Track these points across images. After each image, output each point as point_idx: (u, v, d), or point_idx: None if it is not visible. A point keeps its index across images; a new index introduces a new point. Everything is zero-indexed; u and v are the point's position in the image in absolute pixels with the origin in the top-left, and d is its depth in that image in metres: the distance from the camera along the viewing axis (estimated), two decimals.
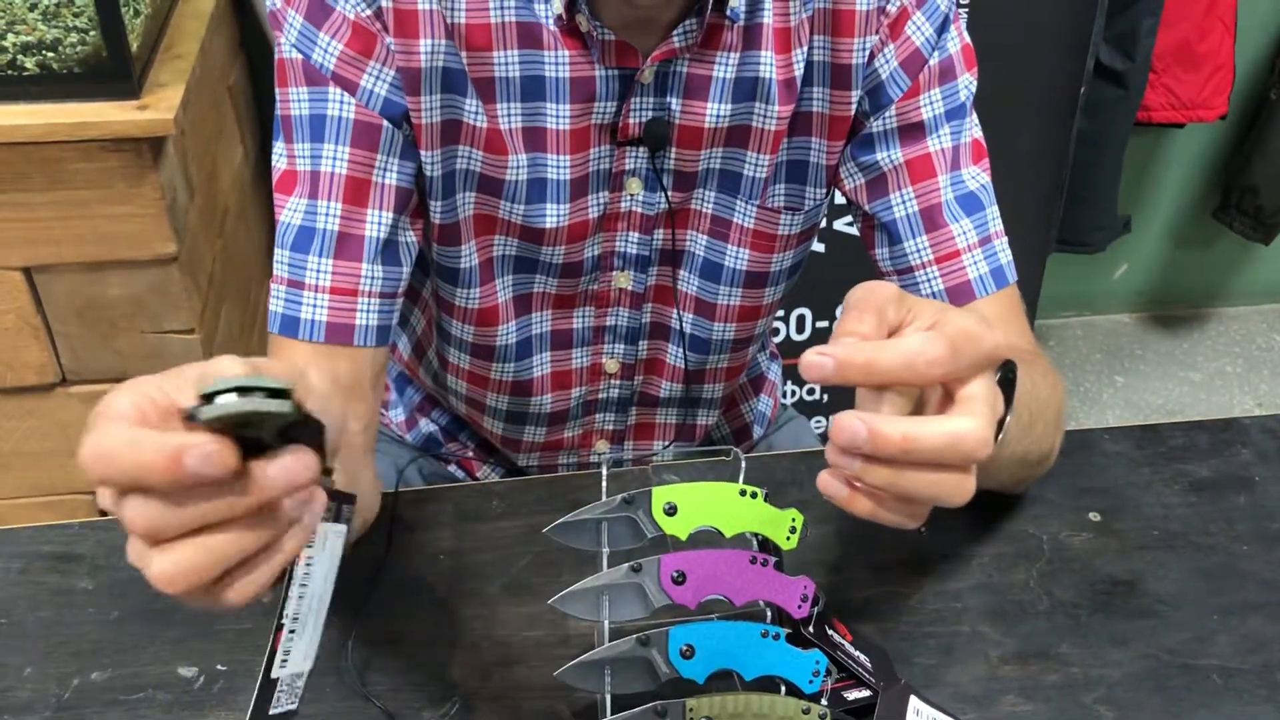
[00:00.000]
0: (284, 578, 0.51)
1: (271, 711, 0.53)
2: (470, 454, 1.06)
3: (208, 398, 0.43)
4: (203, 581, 0.45)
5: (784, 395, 1.77)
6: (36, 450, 1.46)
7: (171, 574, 0.44)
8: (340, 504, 0.52)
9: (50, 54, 1.26)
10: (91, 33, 1.26)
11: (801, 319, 1.83)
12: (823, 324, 1.83)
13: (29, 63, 1.26)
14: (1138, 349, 2.46)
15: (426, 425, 1.07)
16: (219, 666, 0.74)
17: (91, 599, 0.78)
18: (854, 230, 1.74)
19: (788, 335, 1.83)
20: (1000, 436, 0.61)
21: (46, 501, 1.50)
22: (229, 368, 0.47)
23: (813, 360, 0.53)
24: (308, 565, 0.51)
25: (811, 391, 1.91)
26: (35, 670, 0.74)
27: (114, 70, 1.26)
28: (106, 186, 1.28)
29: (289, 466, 0.44)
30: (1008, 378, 0.63)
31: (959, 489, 0.55)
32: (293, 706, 0.54)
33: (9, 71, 1.25)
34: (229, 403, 0.42)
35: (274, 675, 0.52)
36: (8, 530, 0.83)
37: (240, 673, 0.74)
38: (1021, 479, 0.83)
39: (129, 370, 1.41)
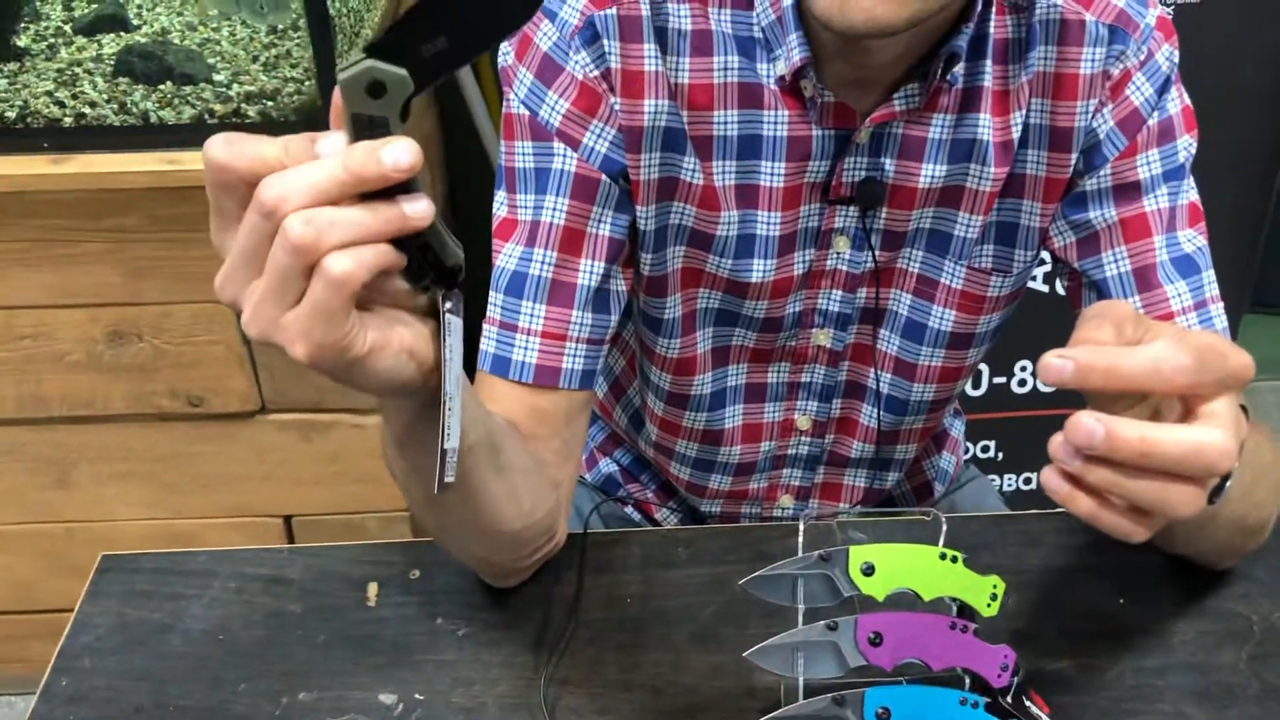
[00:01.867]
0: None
1: (445, 477, 0.57)
2: (650, 496, 1.08)
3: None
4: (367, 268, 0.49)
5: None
6: (235, 474, 1.54)
7: (351, 268, 0.48)
8: (460, 295, 0.56)
9: (270, 103, 1.34)
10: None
11: (978, 375, 1.79)
12: (999, 379, 1.79)
13: (251, 111, 1.34)
14: None
15: (607, 465, 1.09)
16: (417, 695, 0.77)
17: (300, 622, 0.82)
18: (1036, 285, 1.70)
19: (964, 390, 1.79)
20: (1227, 484, 0.59)
21: (239, 523, 1.59)
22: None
23: (1052, 363, 0.53)
24: (450, 351, 0.55)
25: (986, 449, 1.86)
26: (249, 687, 0.78)
27: (327, 119, 1.33)
28: None
29: (410, 145, 0.47)
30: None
31: (1189, 501, 0.53)
32: (451, 479, 0.58)
33: (234, 119, 1.34)
34: (365, 62, 0.47)
35: (445, 446, 0.56)
36: (224, 551, 0.88)
37: (437, 703, 0.76)
38: (1233, 548, 0.80)
39: (324, 401, 1.48)
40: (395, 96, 0.48)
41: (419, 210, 0.49)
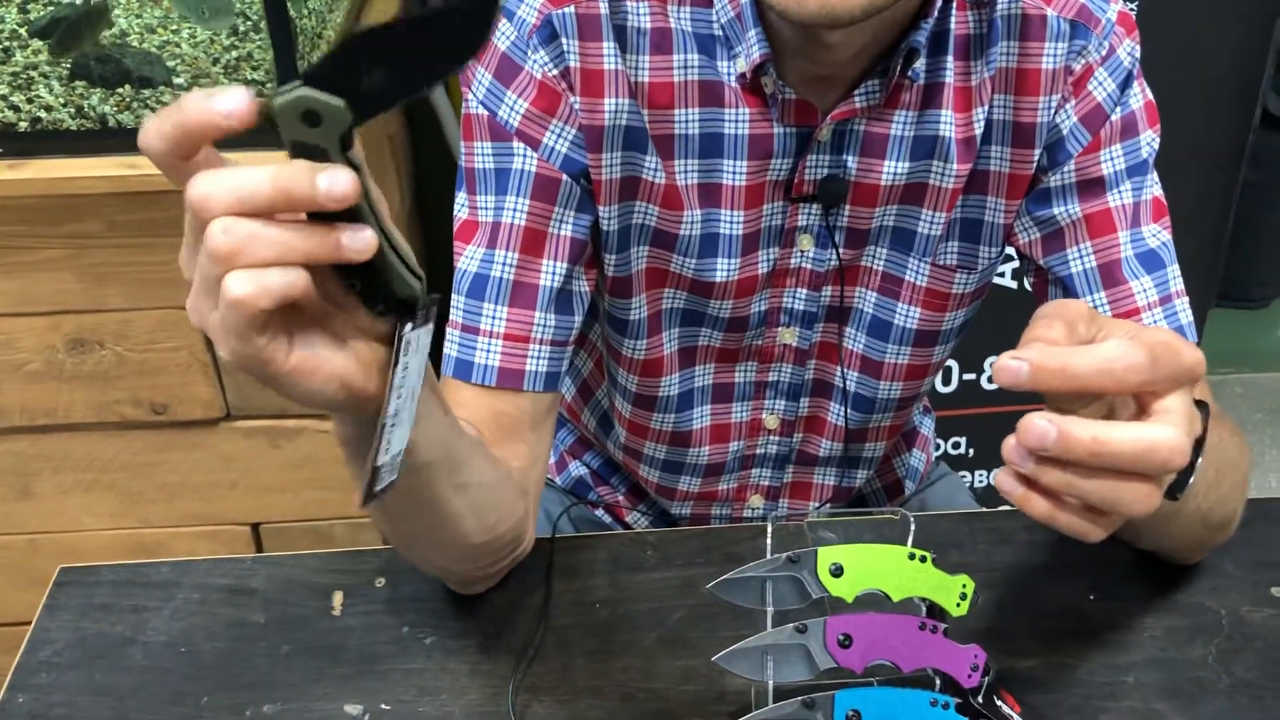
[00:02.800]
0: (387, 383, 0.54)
1: (376, 489, 0.56)
2: (620, 499, 1.07)
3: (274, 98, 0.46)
4: (279, 289, 0.47)
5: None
6: (200, 482, 1.52)
7: (249, 292, 0.46)
8: (430, 306, 0.54)
9: None
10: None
11: (948, 371, 1.79)
12: (969, 376, 1.80)
13: None
14: None
15: (576, 468, 1.08)
16: (383, 705, 0.76)
17: (264, 633, 0.81)
18: (1005, 281, 1.70)
19: (934, 387, 1.80)
20: (1190, 480, 0.59)
21: (206, 531, 1.57)
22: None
23: (1008, 364, 0.52)
24: (404, 370, 0.53)
25: (957, 445, 1.87)
26: (212, 700, 0.76)
27: None
28: None
29: (349, 175, 0.46)
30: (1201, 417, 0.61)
31: (1144, 499, 0.53)
32: (393, 478, 0.57)
33: None
34: (299, 90, 0.45)
35: (378, 463, 0.55)
36: (187, 562, 0.87)
37: (404, 712, 0.75)
38: (1200, 543, 0.80)
39: (290, 407, 1.46)
40: (331, 126, 0.46)
41: (359, 242, 0.47)
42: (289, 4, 1.28)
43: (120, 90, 1.32)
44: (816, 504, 1.01)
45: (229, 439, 1.49)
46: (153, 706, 0.76)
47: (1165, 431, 0.52)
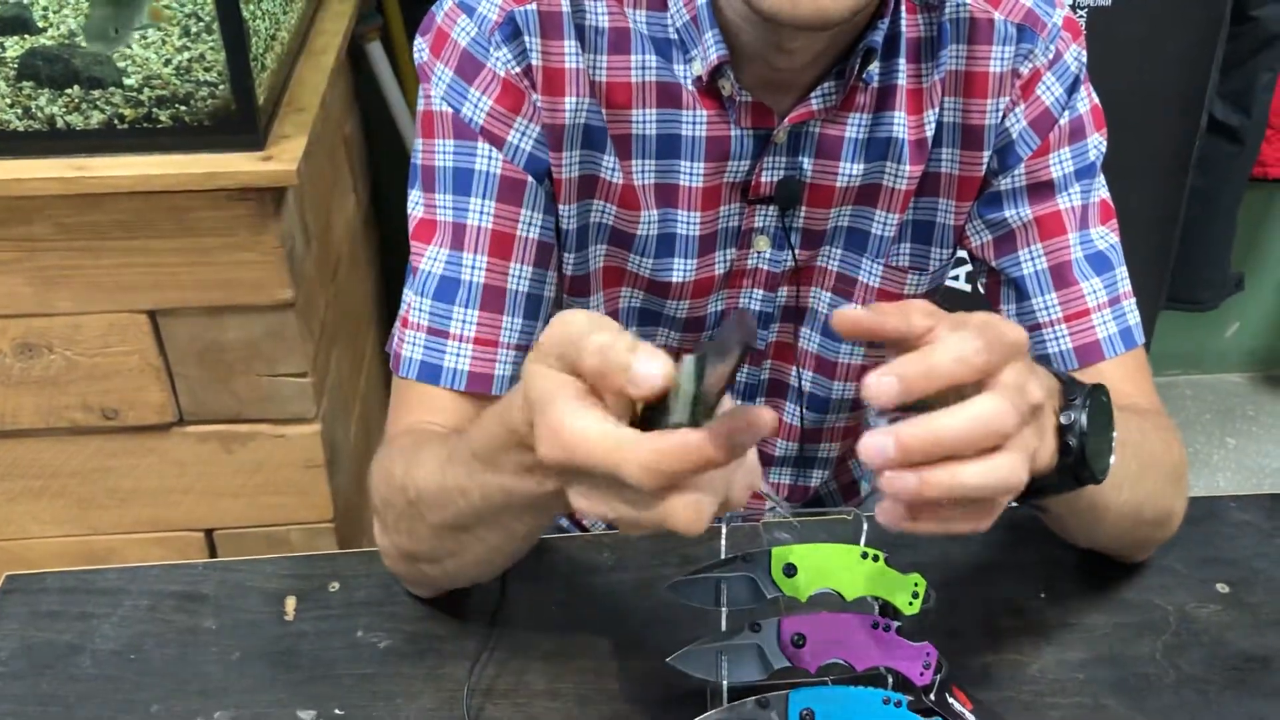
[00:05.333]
0: None
1: None
2: None
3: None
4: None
5: None
6: (154, 487, 1.50)
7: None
8: None
9: (183, 107, 1.31)
10: (221, 87, 1.31)
11: None
12: None
13: (163, 115, 1.31)
14: (1250, 409, 2.39)
15: None
16: (337, 710, 0.75)
17: (215, 639, 0.80)
18: (959, 284, 1.72)
19: None
20: (1108, 464, 0.62)
21: (160, 537, 1.55)
22: (581, 320, 0.53)
23: (880, 383, 0.53)
24: None
25: None
26: (162, 707, 0.76)
27: (241, 123, 1.31)
28: (230, 234, 1.33)
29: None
30: (1101, 400, 0.62)
31: (1010, 471, 0.54)
32: None
33: (145, 124, 1.31)
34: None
35: None
36: (135, 568, 0.86)
37: (357, 717, 0.75)
38: (1140, 540, 0.81)
39: (243, 412, 1.45)
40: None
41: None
42: (241, 5, 1.27)
43: (69, 91, 1.30)
44: (773, 505, 1.01)
45: (182, 444, 1.48)
46: (102, 715, 0.75)
47: (986, 401, 0.53)
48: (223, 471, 1.50)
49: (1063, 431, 0.60)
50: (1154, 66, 1.66)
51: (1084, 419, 0.60)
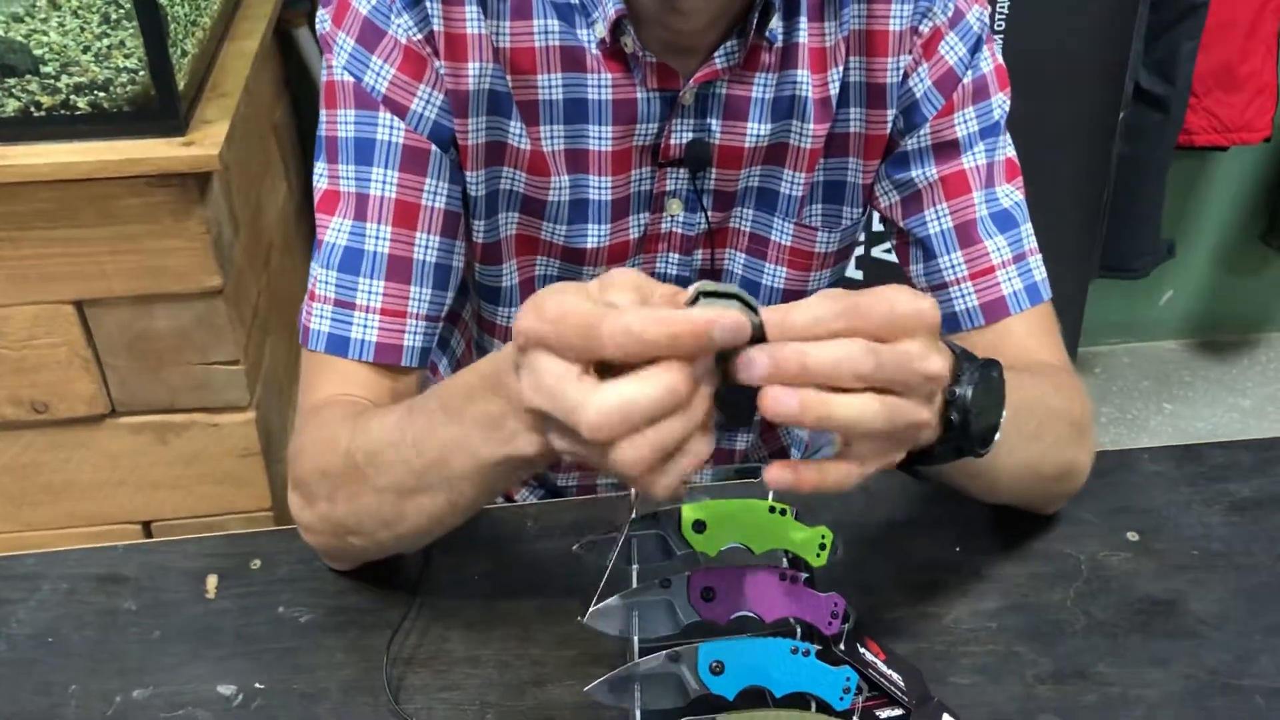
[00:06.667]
0: None
1: None
2: None
3: (701, 296, 0.54)
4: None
5: None
6: (87, 481, 1.49)
7: (640, 456, 0.52)
8: None
9: (101, 94, 1.30)
10: (141, 73, 1.29)
11: None
12: None
13: (81, 102, 1.30)
14: (1186, 375, 2.43)
15: None
16: (257, 685, 0.75)
17: (135, 619, 0.80)
18: (891, 257, 1.74)
19: None
20: (985, 440, 0.64)
21: (95, 531, 1.53)
22: (630, 275, 0.55)
23: (750, 359, 0.53)
24: None
25: None
26: (80, 688, 0.75)
27: (161, 108, 1.30)
28: (154, 221, 1.32)
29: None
30: (991, 376, 0.64)
31: (874, 414, 0.54)
32: None
33: (62, 111, 1.29)
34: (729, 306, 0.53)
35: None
36: (55, 553, 0.85)
37: (277, 690, 0.75)
38: (1046, 494, 0.83)
39: (177, 401, 1.44)
40: None
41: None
42: None
43: None
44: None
45: (115, 436, 1.46)
46: (17, 698, 0.74)
47: (850, 344, 0.53)
48: (158, 463, 1.49)
49: (948, 405, 0.61)
50: (1077, 35, 1.68)
51: (969, 393, 0.61)
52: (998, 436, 0.63)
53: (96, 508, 1.51)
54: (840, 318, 0.54)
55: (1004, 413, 0.64)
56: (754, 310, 0.53)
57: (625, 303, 0.53)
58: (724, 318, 0.51)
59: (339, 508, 0.73)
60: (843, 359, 0.53)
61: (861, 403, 0.54)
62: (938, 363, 0.57)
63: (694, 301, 0.54)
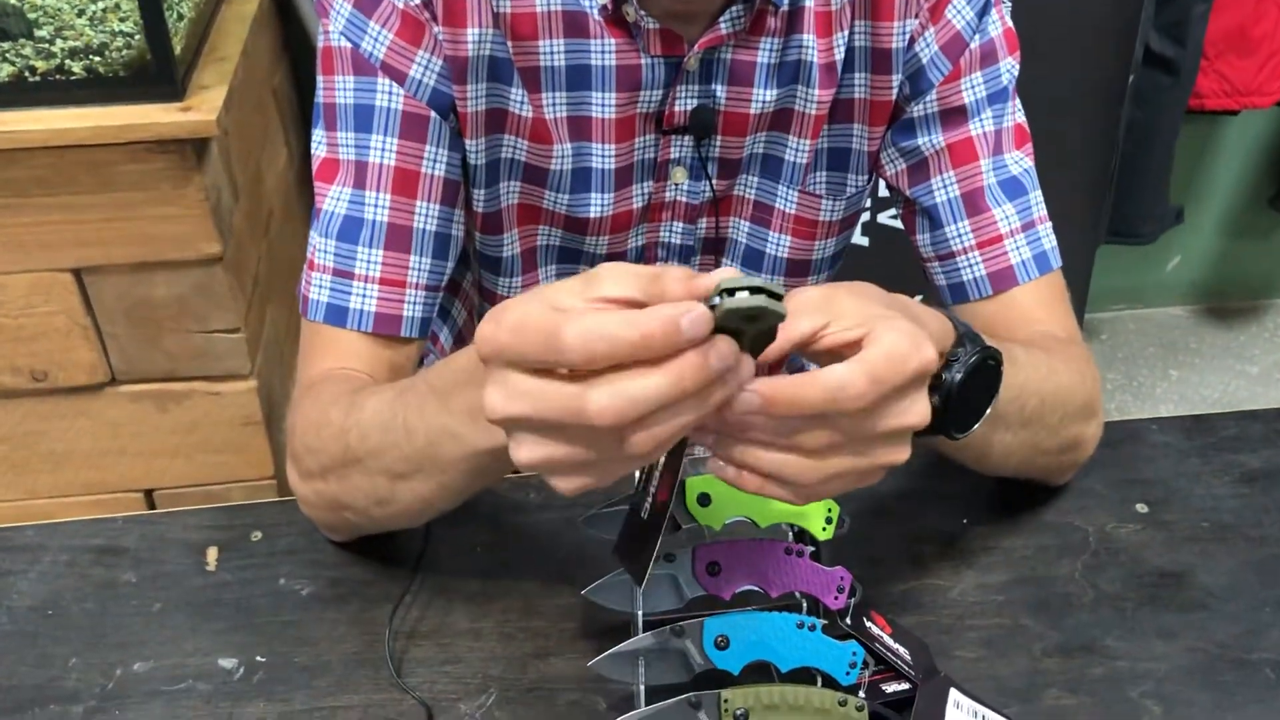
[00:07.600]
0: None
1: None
2: None
3: (722, 293, 0.48)
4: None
5: None
6: (88, 449, 1.49)
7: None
8: None
9: (97, 58, 1.28)
10: (136, 37, 1.27)
11: None
12: None
13: (76, 67, 1.28)
14: (1192, 342, 2.42)
15: None
16: (259, 658, 0.75)
17: (135, 591, 0.79)
18: (898, 224, 1.72)
19: None
20: (965, 427, 0.63)
21: (96, 500, 1.53)
22: (621, 268, 0.50)
23: (741, 397, 0.52)
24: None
25: None
26: (80, 660, 0.75)
27: (157, 73, 1.28)
28: (152, 188, 1.30)
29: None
30: (987, 364, 0.63)
31: (836, 467, 0.54)
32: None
33: (57, 76, 1.27)
34: (749, 299, 0.48)
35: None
36: (55, 524, 0.85)
37: (279, 663, 0.74)
38: (1050, 467, 0.82)
39: (177, 370, 1.43)
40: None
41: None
42: None
43: None
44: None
45: (115, 404, 1.46)
46: (16, 671, 0.74)
47: (849, 390, 0.52)
48: (159, 431, 1.48)
49: (934, 388, 0.60)
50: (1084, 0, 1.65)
51: (956, 379, 0.60)
52: (976, 427, 0.62)
53: (98, 476, 1.51)
54: (861, 399, 0.52)
55: (992, 404, 0.63)
56: (779, 299, 0.49)
57: (624, 294, 0.49)
58: (687, 316, 0.47)
59: (332, 485, 0.73)
60: (839, 400, 0.52)
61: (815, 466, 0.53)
62: (915, 414, 0.55)
63: (714, 297, 0.50)
